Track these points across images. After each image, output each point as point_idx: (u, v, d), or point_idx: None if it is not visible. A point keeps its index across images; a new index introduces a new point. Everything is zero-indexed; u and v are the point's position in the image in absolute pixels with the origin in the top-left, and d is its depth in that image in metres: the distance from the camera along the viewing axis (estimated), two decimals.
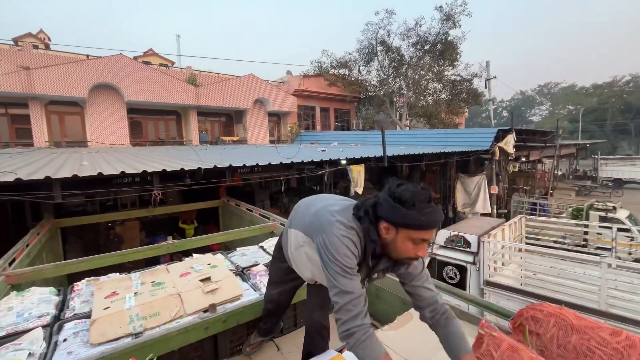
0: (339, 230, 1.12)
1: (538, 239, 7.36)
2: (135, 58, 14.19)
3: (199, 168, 4.45)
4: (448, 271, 5.54)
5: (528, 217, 7.68)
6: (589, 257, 4.70)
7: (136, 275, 2.22)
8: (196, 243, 3.58)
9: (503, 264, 5.36)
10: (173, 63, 17.57)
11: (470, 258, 5.29)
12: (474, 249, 5.26)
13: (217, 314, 1.83)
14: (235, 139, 14.54)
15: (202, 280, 2.06)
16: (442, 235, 5.75)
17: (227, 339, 1.98)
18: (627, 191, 19.61)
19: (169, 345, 1.66)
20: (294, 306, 2.23)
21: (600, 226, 7.22)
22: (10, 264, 2.63)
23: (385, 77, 18.44)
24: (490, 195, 10.17)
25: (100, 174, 3.69)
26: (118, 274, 2.41)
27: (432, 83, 18.97)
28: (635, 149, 39.29)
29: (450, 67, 18.43)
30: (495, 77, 17.44)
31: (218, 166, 4.66)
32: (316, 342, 1.63)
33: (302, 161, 5.93)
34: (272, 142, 15.69)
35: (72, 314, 1.87)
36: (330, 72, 18.16)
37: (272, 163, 5.38)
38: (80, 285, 2.24)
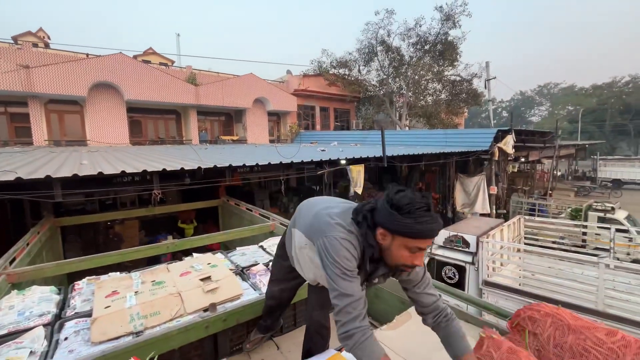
0: (339, 233, 1.13)
1: (537, 240, 7.38)
2: (135, 57, 14.17)
3: (199, 167, 4.46)
4: (447, 271, 5.56)
5: (527, 217, 7.71)
6: (587, 257, 4.72)
7: (136, 275, 2.23)
8: (196, 242, 3.59)
9: (502, 264, 5.38)
10: (173, 62, 17.56)
11: (469, 258, 5.31)
12: (472, 249, 5.28)
13: (217, 313, 1.84)
14: (234, 138, 14.54)
15: (202, 280, 2.07)
16: (441, 235, 5.77)
17: (227, 338, 1.99)
18: (626, 192, 19.66)
19: (170, 344, 1.67)
20: (293, 305, 2.24)
21: (598, 227, 7.25)
22: (10, 262, 2.64)
23: (385, 77, 18.46)
24: (490, 195, 10.19)
25: (100, 173, 3.69)
26: (118, 273, 2.42)
27: (432, 83, 18.98)
28: (635, 149, 39.38)
29: (450, 68, 18.46)
30: (494, 77, 17.47)
31: (218, 166, 4.67)
32: (316, 341, 1.65)
33: (302, 161, 5.94)
34: (271, 141, 15.70)
35: (73, 313, 1.88)
36: (330, 72, 18.16)
37: (271, 163, 5.39)
38: (81, 284, 2.25)
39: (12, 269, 2.52)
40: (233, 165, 4.87)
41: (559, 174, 22.21)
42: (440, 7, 16.78)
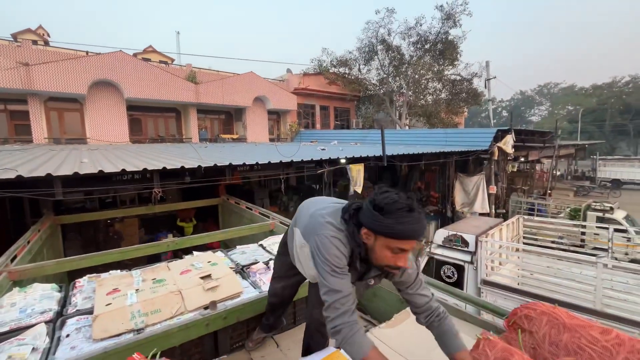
0: (329, 231, 1.15)
1: (536, 239, 7.41)
2: (135, 55, 14.16)
3: (199, 166, 4.47)
4: (446, 270, 5.58)
5: (526, 217, 7.73)
6: (585, 257, 4.75)
7: (137, 273, 2.25)
8: (196, 241, 3.60)
9: (500, 264, 5.41)
10: (173, 60, 17.54)
11: (467, 257, 5.33)
12: (471, 248, 5.30)
13: (217, 310, 1.86)
14: (234, 137, 14.54)
15: (202, 278, 2.09)
16: (440, 234, 5.79)
17: (228, 336, 2.01)
18: (625, 192, 19.70)
19: (171, 341, 1.68)
20: (293, 303, 2.26)
21: (597, 227, 7.28)
22: (12, 260, 2.65)
23: (385, 76, 18.45)
24: (489, 195, 10.21)
25: (101, 171, 3.70)
26: (119, 270, 2.44)
27: (432, 82, 18.98)
28: (634, 149, 39.42)
29: (450, 67, 18.45)
30: (495, 77, 17.48)
31: (218, 164, 4.68)
32: (316, 338, 1.66)
33: (302, 160, 5.95)
34: (271, 140, 15.70)
35: (74, 310, 1.89)
36: (330, 71, 18.15)
37: (271, 161, 5.40)
38: (82, 281, 2.27)
39: (13, 267, 2.54)
40: (233, 164, 4.88)
41: (558, 173, 22.25)
42: (441, 6, 16.77)
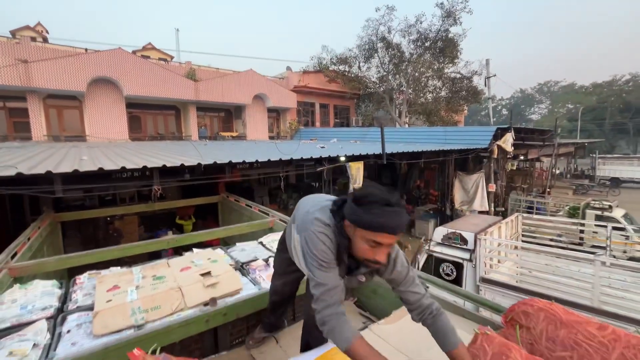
0: (317, 227, 1.18)
1: (534, 237, 7.42)
2: (134, 52, 14.10)
3: (199, 164, 4.47)
4: (445, 268, 5.60)
5: (525, 215, 7.74)
6: (584, 255, 4.76)
7: (137, 269, 2.26)
8: (196, 238, 3.61)
9: (499, 261, 5.42)
10: (172, 57, 17.47)
11: (466, 255, 5.34)
12: (470, 246, 5.31)
13: (217, 307, 1.87)
14: (234, 134, 14.53)
15: (202, 275, 2.10)
16: (439, 232, 5.81)
17: (227, 332, 2.02)
18: (624, 190, 19.73)
19: (171, 337, 1.70)
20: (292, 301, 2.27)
21: (596, 225, 7.29)
22: (12, 257, 2.66)
23: (385, 73, 18.41)
24: (488, 193, 10.23)
25: (100, 168, 3.70)
26: (119, 267, 2.45)
27: (432, 80, 18.94)
28: (634, 148, 39.43)
29: (451, 65, 18.40)
30: (495, 75, 17.45)
31: (217, 162, 4.69)
32: (314, 335, 1.67)
33: (302, 158, 5.95)
34: (271, 138, 15.69)
35: (75, 307, 1.90)
36: (330, 69, 18.11)
37: (271, 159, 5.40)
38: (82, 278, 2.28)
39: (14, 264, 2.54)
40: (233, 161, 4.88)
41: (557, 172, 22.27)
42: (441, 3, 16.70)
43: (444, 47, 17.45)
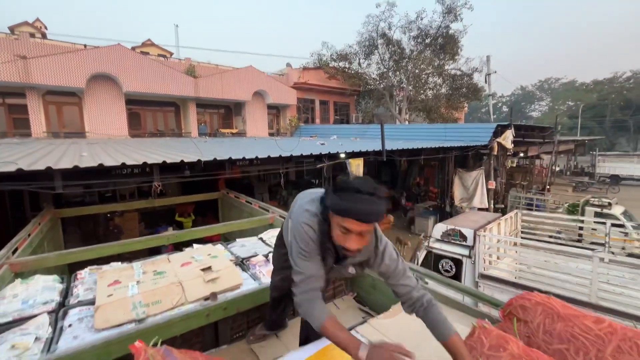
0: (303, 217, 1.23)
1: (534, 234, 7.44)
2: (133, 48, 14.04)
3: (199, 160, 4.48)
4: (444, 264, 5.63)
5: (524, 212, 7.76)
6: (582, 251, 4.78)
7: (138, 265, 2.27)
8: (196, 234, 3.63)
9: (498, 258, 5.45)
10: (172, 54, 17.40)
11: (466, 251, 5.36)
12: (469, 242, 5.34)
13: (217, 301, 1.88)
14: (234, 131, 14.50)
15: (202, 270, 2.11)
16: (439, 228, 5.83)
17: (228, 326, 2.04)
18: (624, 188, 19.74)
19: (172, 331, 1.71)
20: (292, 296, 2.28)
21: (595, 222, 7.31)
22: (13, 252, 2.67)
23: (385, 70, 18.35)
24: (488, 190, 10.24)
25: (101, 165, 3.71)
26: (120, 263, 2.46)
27: (432, 77, 18.89)
28: (634, 145, 39.36)
29: (451, 61, 18.35)
30: (495, 71, 17.39)
31: (217, 158, 4.69)
32: (313, 329, 1.69)
33: (301, 154, 5.95)
34: (271, 134, 15.67)
35: (76, 301, 1.92)
36: (330, 65, 18.04)
37: (271, 156, 5.41)
38: (83, 273, 2.29)
39: (15, 259, 2.56)
40: (233, 158, 4.89)
41: (557, 169, 22.28)
42: None
43: (445, 44, 17.39)
